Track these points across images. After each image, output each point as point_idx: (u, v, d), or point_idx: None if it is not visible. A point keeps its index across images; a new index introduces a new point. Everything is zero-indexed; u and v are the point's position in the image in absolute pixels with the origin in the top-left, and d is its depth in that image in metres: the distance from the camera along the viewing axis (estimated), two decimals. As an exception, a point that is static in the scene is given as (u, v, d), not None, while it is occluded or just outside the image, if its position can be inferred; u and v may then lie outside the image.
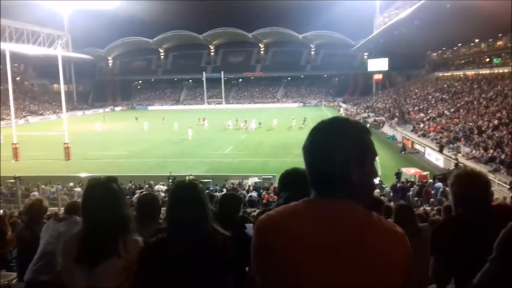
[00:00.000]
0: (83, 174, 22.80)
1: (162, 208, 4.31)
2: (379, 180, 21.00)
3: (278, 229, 1.27)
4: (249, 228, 3.65)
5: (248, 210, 12.84)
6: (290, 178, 2.72)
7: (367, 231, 1.22)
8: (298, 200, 2.08)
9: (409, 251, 1.25)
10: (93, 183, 2.27)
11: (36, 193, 16.46)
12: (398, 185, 18.79)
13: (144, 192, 9.40)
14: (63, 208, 14.38)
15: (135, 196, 13.79)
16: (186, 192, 2.21)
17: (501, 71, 45.28)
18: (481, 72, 50.24)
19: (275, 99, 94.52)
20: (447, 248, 2.35)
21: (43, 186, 19.60)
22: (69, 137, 32.03)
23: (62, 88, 35.32)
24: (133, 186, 19.76)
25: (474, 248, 2.10)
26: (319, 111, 65.96)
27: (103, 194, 2.18)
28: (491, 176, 19.44)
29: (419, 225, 4.43)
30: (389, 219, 5.97)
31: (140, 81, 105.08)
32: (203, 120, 48.91)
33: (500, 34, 47.47)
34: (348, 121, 1.32)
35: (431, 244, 2.47)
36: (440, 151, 28.22)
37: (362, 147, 1.29)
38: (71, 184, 20.49)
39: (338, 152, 1.26)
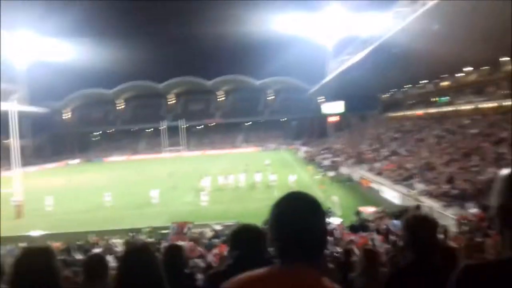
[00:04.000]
0: (34, 233, 21.76)
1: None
2: (340, 221, 21.19)
3: None
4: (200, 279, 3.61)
5: (210, 258, 12.57)
6: (240, 236, 2.68)
7: None
8: (248, 259, 2.16)
9: None
10: (23, 254, 2.15)
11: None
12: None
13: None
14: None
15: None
16: (137, 256, 2.11)
17: (447, 109, 47.80)
18: (429, 111, 52.82)
19: (236, 145, 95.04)
20: None
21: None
22: (22, 193, 30.82)
23: (13, 143, 34.17)
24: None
25: None
26: (275, 154, 66.83)
27: (33, 265, 2.05)
28: (443, 211, 20.18)
29: (381, 269, 4.47)
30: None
31: (98, 133, 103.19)
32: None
33: (445, 75, 50.41)
34: (310, 195, 1.47)
35: None
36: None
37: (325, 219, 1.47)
38: (25, 244, 19.42)
39: (321, 224, 1.41)
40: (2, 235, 21.93)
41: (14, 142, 33.98)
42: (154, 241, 18.56)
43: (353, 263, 5.57)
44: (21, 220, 28.61)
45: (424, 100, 59.77)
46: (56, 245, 16.28)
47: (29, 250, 2.22)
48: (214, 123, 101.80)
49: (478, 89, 44.28)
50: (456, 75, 47.77)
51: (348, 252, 7.12)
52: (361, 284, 4.13)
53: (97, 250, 16.06)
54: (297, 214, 1.37)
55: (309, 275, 1.33)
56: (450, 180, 24.66)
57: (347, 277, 4.53)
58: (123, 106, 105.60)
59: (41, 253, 2.15)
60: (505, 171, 1.23)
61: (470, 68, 43.76)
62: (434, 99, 56.12)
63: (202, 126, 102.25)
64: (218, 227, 21.43)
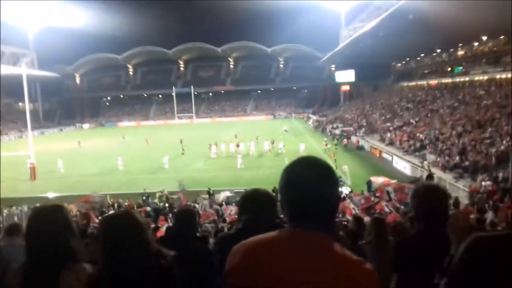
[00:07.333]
0: (50, 194, 22.26)
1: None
2: (349, 190, 21.30)
3: (253, 260, 1.32)
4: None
5: (220, 225, 12.77)
6: (250, 200, 2.67)
7: (341, 268, 1.29)
8: (258, 223, 2.15)
9: (378, 286, 1.33)
10: (37, 211, 2.15)
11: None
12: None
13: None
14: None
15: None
16: (118, 222, 1.99)
17: (462, 79, 46.93)
18: (443, 81, 51.93)
19: (246, 113, 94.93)
20: (409, 265, 2.39)
21: (6, 210, 18.93)
22: (36, 157, 31.37)
23: (27, 106, 34.54)
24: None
25: (436, 265, 2.15)
26: (287, 123, 66.82)
27: (48, 222, 2.03)
28: (455, 182, 20.13)
29: (390, 238, 4.45)
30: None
31: (108, 98, 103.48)
32: (213, 146, 36.90)
33: (461, 44, 49.29)
34: (322, 160, 1.43)
35: (393, 260, 2.52)
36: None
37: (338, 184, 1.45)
38: (38, 205, 19.89)
39: (332, 190, 1.38)
40: (19, 196, 22.61)
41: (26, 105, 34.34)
42: (166, 205, 18.99)
43: (363, 230, 5.56)
44: (36, 182, 29.21)
45: (438, 70, 58.73)
46: (70, 207, 16.69)
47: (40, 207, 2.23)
48: (224, 90, 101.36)
49: (494, 59, 43.32)
50: (472, 44, 46.68)
51: (358, 220, 7.09)
52: (370, 252, 4.14)
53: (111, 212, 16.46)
54: (309, 180, 1.34)
55: (320, 240, 1.33)
56: (462, 152, 24.45)
57: (356, 244, 4.56)
58: (133, 72, 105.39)
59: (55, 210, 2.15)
60: None
61: (486, 37, 42.65)
62: (448, 69, 55.12)
63: (212, 93, 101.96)
64: (228, 194, 21.76)
